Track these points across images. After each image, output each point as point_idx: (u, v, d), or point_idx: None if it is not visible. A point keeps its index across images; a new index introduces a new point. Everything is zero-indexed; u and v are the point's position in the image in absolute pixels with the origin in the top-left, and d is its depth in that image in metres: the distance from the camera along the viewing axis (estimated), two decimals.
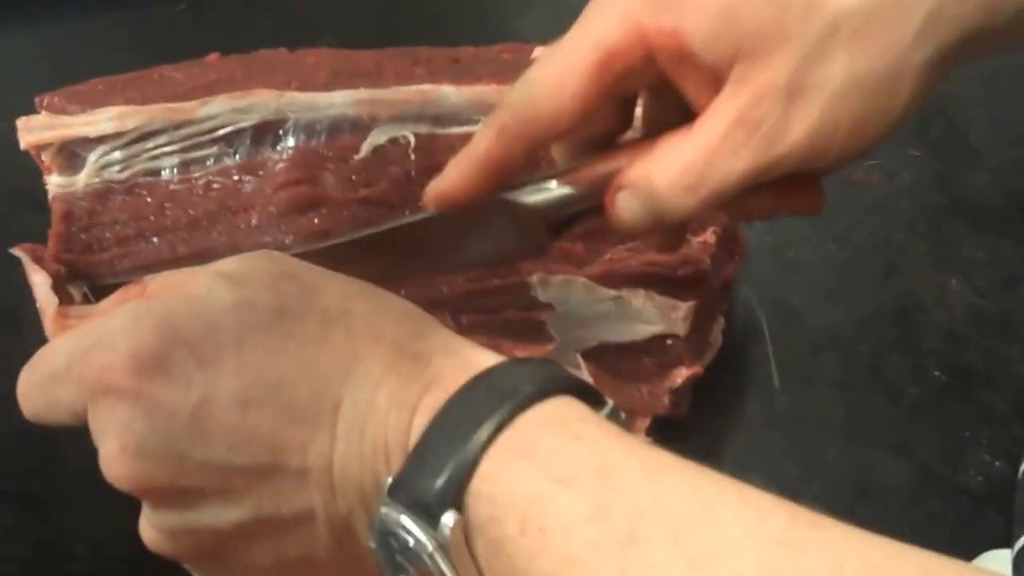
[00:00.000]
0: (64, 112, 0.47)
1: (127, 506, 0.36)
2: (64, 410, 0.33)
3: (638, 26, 0.33)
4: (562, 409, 0.29)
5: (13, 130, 0.47)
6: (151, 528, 0.33)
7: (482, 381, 0.30)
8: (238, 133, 0.47)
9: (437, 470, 0.28)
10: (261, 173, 0.46)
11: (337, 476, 0.31)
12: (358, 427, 0.30)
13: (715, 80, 0.33)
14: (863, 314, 0.55)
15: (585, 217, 0.37)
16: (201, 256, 0.45)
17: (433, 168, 0.47)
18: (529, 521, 0.27)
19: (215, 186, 0.46)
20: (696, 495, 0.27)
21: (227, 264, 0.33)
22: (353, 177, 0.46)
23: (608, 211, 0.36)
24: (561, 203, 0.36)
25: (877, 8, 0.32)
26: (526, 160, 0.36)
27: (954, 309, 0.55)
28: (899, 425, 0.52)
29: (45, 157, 0.46)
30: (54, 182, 0.46)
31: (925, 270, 0.57)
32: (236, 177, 0.46)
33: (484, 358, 0.31)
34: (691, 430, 0.51)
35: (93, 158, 0.46)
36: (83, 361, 0.32)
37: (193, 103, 0.46)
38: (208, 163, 0.47)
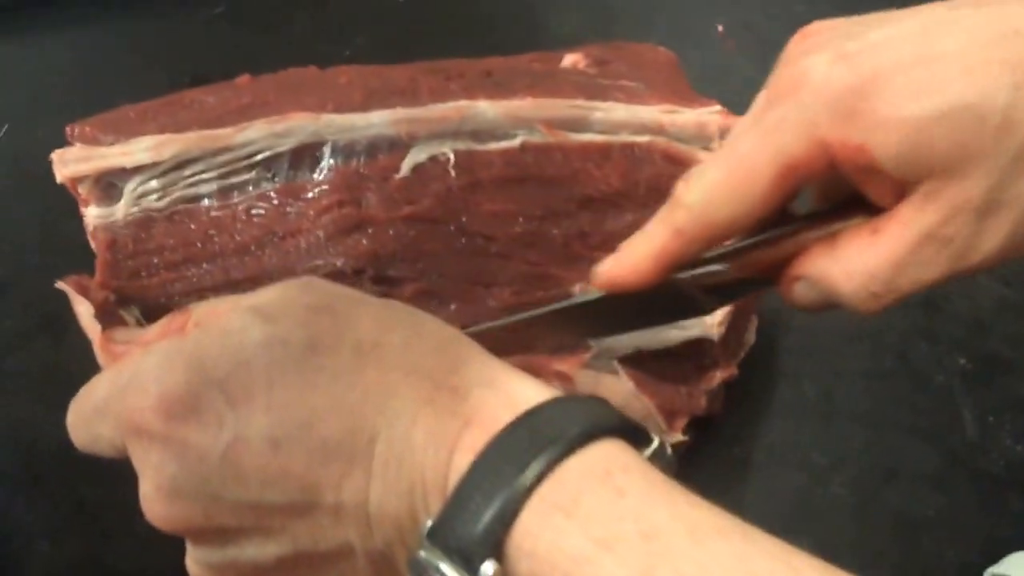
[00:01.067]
0: (97, 142, 0.46)
1: None
2: (106, 445, 0.34)
3: (822, 139, 0.33)
4: (606, 456, 0.29)
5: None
6: (195, 564, 0.33)
7: (523, 424, 0.29)
8: (276, 157, 0.46)
9: (476, 518, 0.28)
10: (302, 196, 0.46)
11: (373, 512, 0.31)
12: (394, 464, 0.30)
13: (900, 187, 0.33)
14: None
15: (751, 290, 0.37)
16: (255, 280, 0.45)
17: (474, 185, 0.47)
18: None
19: (256, 211, 0.46)
20: (743, 566, 0.26)
21: (262, 297, 0.33)
22: (395, 196, 0.46)
23: (783, 293, 0.36)
24: (728, 283, 0.36)
25: None
26: (699, 255, 0.36)
27: (980, 298, 0.56)
28: (925, 412, 0.54)
29: (82, 189, 0.46)
30: (92, 213, 0.46)
31: None
32: (276, 201, 0.46)
33: (525, 391, 0.31)
34: (723, 421, 0.52)
35: (130, 188, 0.46)
36: (118, 401, 0.32)
37: (230, 129, 0.46)
38: (248, 189, 0.46)
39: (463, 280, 0.46)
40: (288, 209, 0.46)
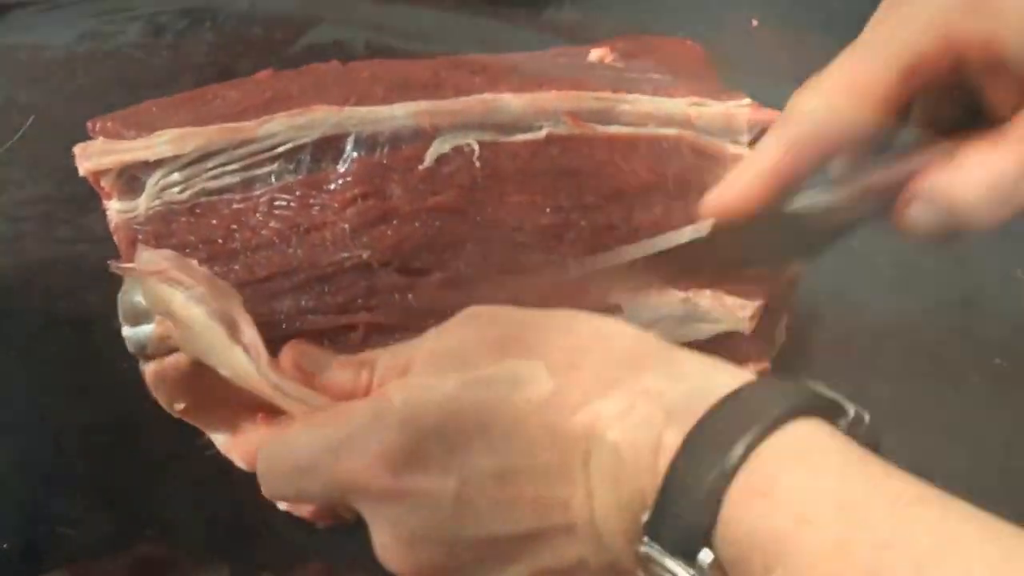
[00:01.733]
0: (120, 136, 0.46)
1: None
2: (317, 500, 0.36)
3: (948, 33, 0.32)
4: (801, 437, 0.29)
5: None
6: None
7: (712, 418, 0.30)
8: (299, 149, 0.46)
9: (685, 513, 0.29)
10: (325, 188, 0.45)
11: (600, 526, 0.31)
12: (610, 478, 0.31)
13: (1022, 88, 0.32)
14: (927, 304, 0.55)
15: (862, 223, 0.35)
16: (281, 277, 0.45)
17: (499, 175, 0.46)
18: (773, 559, 0.28)
19: (278, 203, 0.46)
20: (940, 527, 0.27)
21: (440, 343, 0.34)
22: (419, 186, 0.45)
23: (897, 219, 0.34)
24: (840, 212, 0.35)
25: None
26: (815, 171, 0.35)
27: (1019, 299, 0.55)
28: (958, 411, 0.53)
29: (104, 183, 0.45)
30: (115, 207, 0.45)
31: (992, 261, 0.56)
32: (299, 193, 0.46)
33: (713, 379, 0.31)
34: None
35: (152, 181, 0.45)
36: (332, 464, 0.33)
37: (252, 122, 0.45)
38: (270, 180, 0.46)
39: (490, 270, 0.46)
40: (311, 201, 0.45)
